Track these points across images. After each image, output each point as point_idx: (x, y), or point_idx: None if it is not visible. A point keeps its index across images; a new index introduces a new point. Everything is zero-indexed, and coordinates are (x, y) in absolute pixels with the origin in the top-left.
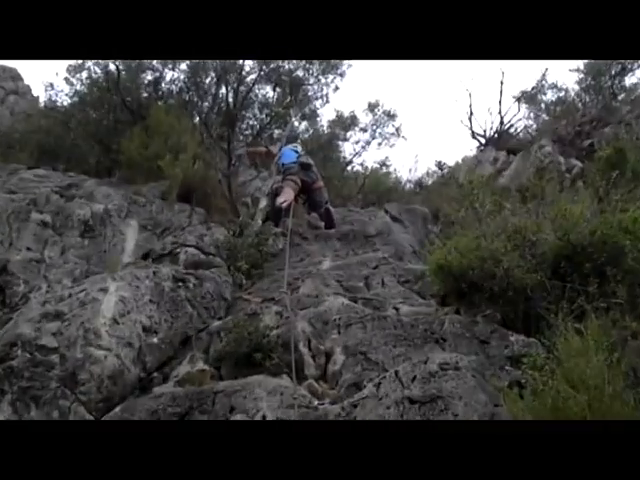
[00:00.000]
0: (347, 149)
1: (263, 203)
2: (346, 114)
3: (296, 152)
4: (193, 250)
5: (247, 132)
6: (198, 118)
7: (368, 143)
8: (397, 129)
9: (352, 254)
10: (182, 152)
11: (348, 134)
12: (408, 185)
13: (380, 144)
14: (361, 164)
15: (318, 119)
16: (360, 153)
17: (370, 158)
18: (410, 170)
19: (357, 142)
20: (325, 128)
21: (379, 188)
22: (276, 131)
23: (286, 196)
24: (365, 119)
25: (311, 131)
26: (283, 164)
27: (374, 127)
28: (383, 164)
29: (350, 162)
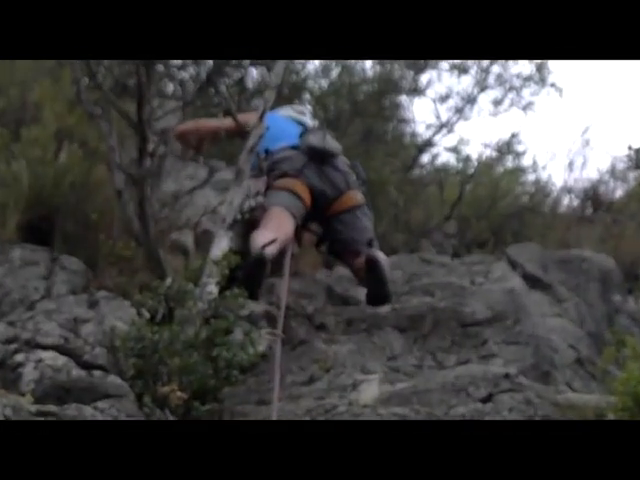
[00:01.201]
0: (420, 114)
1: (222, 244)
2: None
3: (298, 122)
4: (55, 357)
5: (185, 75)
6: None
7: (471, 101)
8: (540, 70)
9: (432, 366)
10: (28, 125)
11: (423, 79)
12: (566, 200)
13: (499, 103)
14: (454, 150)
15: None
16: (451, 125)
17: (475, 137)
18: (570, 166)
19: (443, 99)
20: (369, 66)
21: (497, 207)
22: (253, 71)
23: (274, 230)
24: None
25: (336, 71)
26: (267, 152)
27: (484, 63)
28: (507, 150)
29: (427, 145)
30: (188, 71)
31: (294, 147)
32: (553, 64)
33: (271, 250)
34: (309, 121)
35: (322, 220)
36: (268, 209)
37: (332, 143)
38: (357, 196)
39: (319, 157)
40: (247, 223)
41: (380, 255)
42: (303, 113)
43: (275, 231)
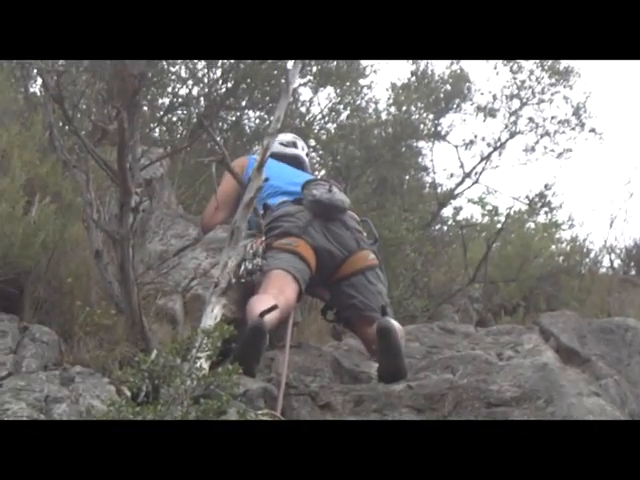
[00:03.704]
0: (441, 162)
1: (215, 312)
2: (439, 72)
3: (297, 167)
4: None
5: (173, 118)
6: (41, 79)
7: (499, 147)
8: (578, 113)
9: None
10: None
11: (444, 122)
12: (606, 260)
13: (531, 150)
14: (480, 202)
15: (363, 84)
16: (477, 175)
17: (504, 188)
18: (611, 222)
19: (467, 145)
20: (382, 107)
21: (528, 269)
22: (251, 114)
23: (274, 296)
24: (493, 81)
25: (345, 114)
26: (266, 207)
27: (514, 105)
28: (540, 204)
29: (449, 197)
30: (176, 114)
31: (296, 201)
32: (592, 107)
33: (271, 319)
34: (301, 152)
35: (329, 284)
36: (268, 272)
37: (339, 196)
38: (369, 257)
39: (325, 213)
40: (244, 288)
41: (394, 324)
42: (293, 145)
43: (275, 297)
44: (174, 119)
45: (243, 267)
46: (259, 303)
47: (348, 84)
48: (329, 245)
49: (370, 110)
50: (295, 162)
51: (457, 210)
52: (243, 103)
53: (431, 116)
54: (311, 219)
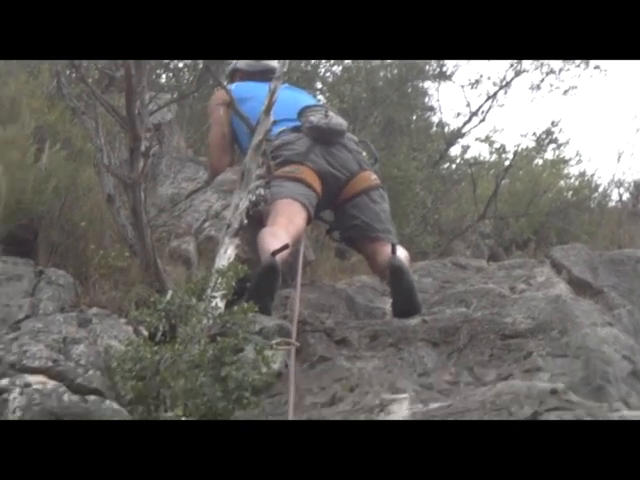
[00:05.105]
0: (448, 102)
1: (228, 253)
2: None
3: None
4: (43, 382)
5: (180, 64)
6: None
7: (504, 86)
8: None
9: (469, 383)
10: (4, 124)
11: (449, 63)
12: (615, 193)
13: (536, 88)
14: (487, 140)
15: None
16: (483, 113)
17: (510, 126)
18: (619, 157)
19: (473, 84)
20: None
21: (538, 204)
22: None
23: (284, 228)
24: None
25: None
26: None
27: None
28: (547, 140)
29: (457, 136)
30: (183, 60)
31: (295, 128)
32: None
33: (282, 253)
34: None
35: (335, 207)
36: (274, 202)
37: (337, 120)
38: (371, 177)
39: (324, 138)
40: (253, 222)
41: (403, 256)
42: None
43: (285, 226)
44: (180, 65)
45: (252, 198)
46: (270, 239)
47: None
48: (331, 169)
49: None
50: (268, 76)
51: (465, 149)
52: None
53: (432, 65)
54: (311, 145)
